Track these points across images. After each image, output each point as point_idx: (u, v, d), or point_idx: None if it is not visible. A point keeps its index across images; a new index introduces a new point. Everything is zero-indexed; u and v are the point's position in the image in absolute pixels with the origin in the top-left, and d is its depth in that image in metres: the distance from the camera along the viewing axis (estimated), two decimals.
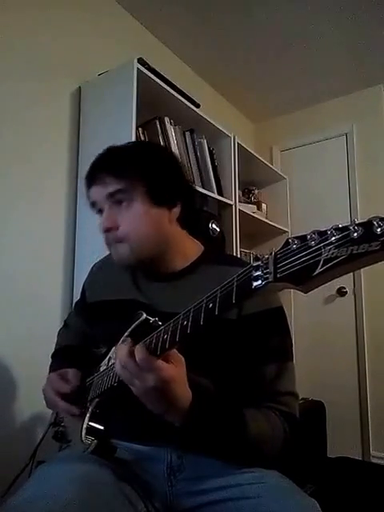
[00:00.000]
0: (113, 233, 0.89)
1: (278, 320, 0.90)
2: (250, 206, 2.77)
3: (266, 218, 2.86)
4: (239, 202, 2.41)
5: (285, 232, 2.93)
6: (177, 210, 0.93)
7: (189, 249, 0.98)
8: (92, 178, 0.92)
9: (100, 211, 0.93)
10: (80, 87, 1.92)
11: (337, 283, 2.87)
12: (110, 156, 0.93)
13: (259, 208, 2.91)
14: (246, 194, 2.98)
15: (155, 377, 0.63)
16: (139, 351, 0.65)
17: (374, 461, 2.61)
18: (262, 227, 2.83)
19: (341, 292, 2.89)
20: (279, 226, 2.89)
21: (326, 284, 0.45)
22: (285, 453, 0.83)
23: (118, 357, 0.67)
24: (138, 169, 0.89)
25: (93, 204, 0.94)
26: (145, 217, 0.89)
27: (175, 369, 0.66)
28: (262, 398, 0.84)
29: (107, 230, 0.89)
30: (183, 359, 0.69)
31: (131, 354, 0.65)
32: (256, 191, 3.02)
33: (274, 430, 0.81)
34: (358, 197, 2.93)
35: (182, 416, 0.69)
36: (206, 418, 0.72)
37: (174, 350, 0.67)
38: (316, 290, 0.45)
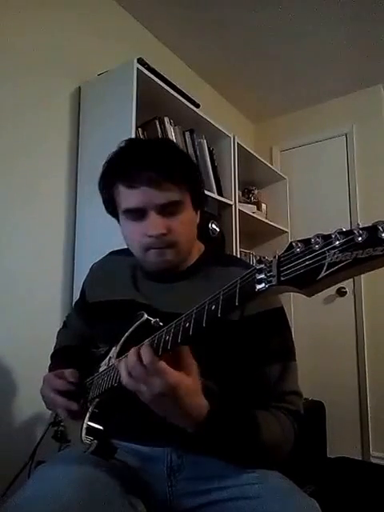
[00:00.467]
0: (164, 238, 0.86)
1: (279, 320, 0.90)
2: (250, 206, 2.77)
3: (266, 218, 2.86)
4: (239, 201, 2.41)
5: (284, 232, 2.93)
6: (198, 216, 0.97)
7: (195, 249, 0.99)
8: (139, 177, 0.84)
9: (138, 213, 0.87)
10: (80, 87, 1.92)
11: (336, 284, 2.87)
12: (161, 157, 0.86)
13: (259, 208, 2.91)
14: (246, 193, 2.98)
15: (162, 382, 0.63)
16: (146, 352, 0.64)
17: (374, 461, 2.61)
18: (262, 227, 2.83)
19: (341, 292, 2.89)
20: (279, 226, 2.89)
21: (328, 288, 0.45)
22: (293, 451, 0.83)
23: (125, 363, 0.66)
24: (190, 176, 0.91)
25: (131, 210, 0.87)
26: (192, 224, 0.93)
27: (185, 377, 0.66)
28: (267, 398, 0.84)
29: (162, 235, 0.86)
30: (196, 367, 0.68)
31: (138, 355, 0.65)
32: (256, 191, 3.02)
33: (284, 430, 0.81)
34: (357, 197, 2.93)
35: (196, 424, 0.69)
36: (222, 427, 0.72)
37: (190, 357, 0.67)
38: None
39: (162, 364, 0.63)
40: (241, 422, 0.76)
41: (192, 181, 0.91)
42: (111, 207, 0.94)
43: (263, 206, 2.98)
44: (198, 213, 0.97)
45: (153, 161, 0.85)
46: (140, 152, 0.89)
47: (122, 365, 0.67)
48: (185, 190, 0.88)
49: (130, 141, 0.95)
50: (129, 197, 0.87)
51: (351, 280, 2.85)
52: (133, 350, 0.66)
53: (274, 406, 0.83)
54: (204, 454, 0.86)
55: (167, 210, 0.86)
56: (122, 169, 0.88)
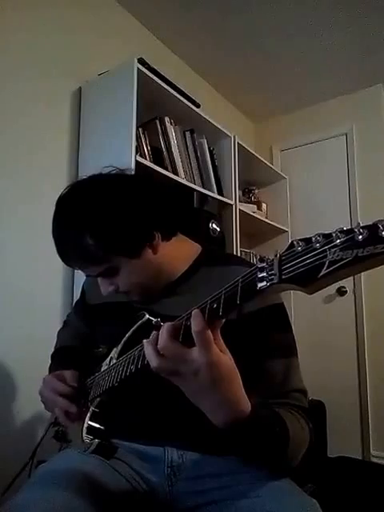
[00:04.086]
0: (119, 291, 0.90)
1: (279, 316, 0.89)
2: (250, 205, 2.78)
3: (266, 218, 2.87)
4: (239, 201, 2.41)
5: (285, 231, 2.94)
6: (157, 238, 0.87)
7: (185, 254, 0.96)
8: (69, 263, 0.90)
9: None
10: (80, 87, 1.92)
11: (337, 283, 2.87)
12: (73, 245, 0.84)
13: (259, 208, 2.91)
14: (246, 193, 2.99)
15: (206, 355, 0.57)
16: (195, 317, 0.57)
17: (374, 461, 2.62)
18: (262, 227, 2.84)
19: (341, 291, 2.89)
20: (279, 226, 2.89)
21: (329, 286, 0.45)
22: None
23: (152, 344, 0.61)
24: (106, 246, 0.83)
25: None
26: (134, 271, 0.87)
27: (229, 359, 0.61)
28: (274, 396, 0.81)
29: (114, 292, 0.90)
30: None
31: (170, 333, 0.59)
32: (256, 191, 3.03)
33: (303, 431, 0.78)
34: (357, 197, 2.93)
35: (235, 418, 0.62)
36: (259, 427, 0.67)
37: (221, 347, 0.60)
38: None
39: (211, 336, 0.57)
40: (274, 423, 0.71)
41: (115, 247, 0.83)
42: None
43: (263, 205, 2.98)
44: (151, 243, 0.87)
45: (72, 255, 0.88)
46: (62, 245, 0.88)
47: (149, 348, 0.62)
48: (112, 256, 0.84)
49: (58, 227, 0.89)
50: None
51: (351, 280, 2.85)
52: (165, 327, 0.60)
53: (282, 403, 0.79)
54: (206, 453, 0.86)
55: (104, 275, 0.88)
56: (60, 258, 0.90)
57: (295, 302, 2.76)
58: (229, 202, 2.29)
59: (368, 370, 2.75)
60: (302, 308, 2.83)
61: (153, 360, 0.61)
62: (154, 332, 0.63)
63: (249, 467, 0.82)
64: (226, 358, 0.60)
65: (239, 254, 2.30)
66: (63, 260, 0.88)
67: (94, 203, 0.83)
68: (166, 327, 0.60)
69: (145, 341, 0.64)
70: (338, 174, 3.05)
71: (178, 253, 0.94)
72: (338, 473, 2.29)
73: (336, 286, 2.88)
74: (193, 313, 0.58)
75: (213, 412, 0.63)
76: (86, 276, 0.98)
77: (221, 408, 0.62)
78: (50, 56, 1.80)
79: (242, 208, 2.41)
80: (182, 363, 0.59)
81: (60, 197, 0.89)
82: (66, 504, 0.70)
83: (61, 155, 1.83)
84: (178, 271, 0.93)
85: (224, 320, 0.59)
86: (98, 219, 0.82)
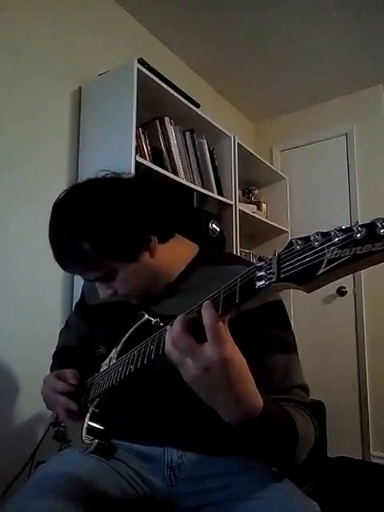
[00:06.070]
0: (117, 295, 0.89)
1: (278, 313, 0.88)
2: (250, 205, 2.78)
3: (266, 218, 2.87)
4: (239, 201, 2.41)
5: (285, 232, 2.94)
6: (153, 240, 0.87)
7: (182, 255, 0.96)
8: (65, 267, 0.90)
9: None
10: (80, 87, 1.92)
11: (337, 283, 2.87)
12: (70, 250, 0.85)
13: (259, 208, 2.91)
14: (246, 193, 2.99)
15: (217, 352, 0.55)
16: (207, 309, 0.56)
17: (374, 461, 2.62)
18: (262, 227, 2.84)
19: (341, 292, 2.89)
20: (279, 226, 2.89)
21: (327, 284, 0.45)
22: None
23: (170, 332, 0.60)
24: (103, 251, 0.82)
25: None
26: (132, 274, 0.87)
27: (241, 355, 0.60)
28: (275, 392, 0.79)
29: (112, 296, 0.90)
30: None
31: (183, 325, 0.58)
32: (256, 191, 3.03)
33: (310, 428, 0.77)
34: (357, 197, 2.93)
35: (245, 417, 0.61)
36: (270, 424, 0.65)
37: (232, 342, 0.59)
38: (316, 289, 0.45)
39: (223, 330, 0.56)
40: (283, 420, 0.70)
41: (111, 250, 0.83)
42: None
43: (263, 205, 2.98)
44: (147, 246, 0.87)
45: (69, 260, 0.87)
46: (59, 249, 0.89)
47: (167, 333, 0.61)
48: (108, 260, 0.83)
49: (54, 231, 0.92)
50: None
51: (351, 280, 2.85)
52: (178, 319, 0.60)
53: (287, 399, 0.78)
54: (205, 454, 0.86)
55: (101, 280, 0.88)
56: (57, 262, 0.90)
57: (295, 302, 2.76)
58: (229, 202, 2.29)
59: (368, 370, 2.75)
60: (301, 308, 2.83)
61: (166, 345, 0.60)
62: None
63: (249, 468, 0.82)
64: (240, 356, 0.59)
65: (239, 255, 2.30)
66: (61, 265, 0.88)
67: (90, 208, 0.83)
68: (178, 318, 0.59)
69: (169, 325, 0.63)
70: (338, 174, 3.05)
71: (175, 254, 0.93)
72: (338, 473, 2.29)
73: (336, 286, 2.89)
74: (204, 304, 0.57)
75: (224, 409, 0.61)
76: (84, 280, 0.98)
77: (232, 406, 0.60)
78: (51, 56, 1.81)
79: (241, 208, 2.41)
80: (192, 357, 0.57)
81: (55, 202, 0.89)
82: (65, 504, 0.70)
83: (61, 155, 1.83)
84: (176, 271, 0.93)
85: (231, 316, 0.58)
86: (94, 224, 0.81)
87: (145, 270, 0.87)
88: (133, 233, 0.84)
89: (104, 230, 0.81)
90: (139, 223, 0.84)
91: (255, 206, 2.84)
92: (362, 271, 2.76)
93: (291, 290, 0.47)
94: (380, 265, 0.42)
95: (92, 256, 0.81)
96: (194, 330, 0.57)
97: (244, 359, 0.60)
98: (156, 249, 0.88)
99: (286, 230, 2.95)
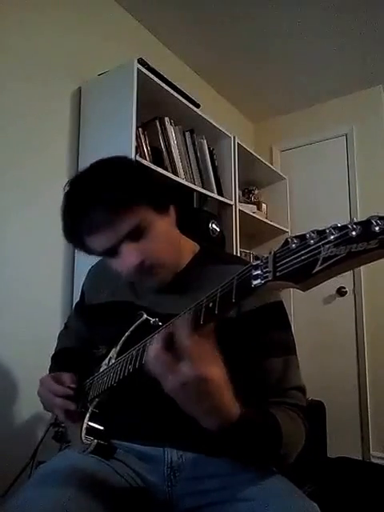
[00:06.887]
0: (145, 263, 0.83)
1: (277, 314, 0.88)
2: (250, 205, 2.78)
3: (266, 218, 2.87)
4: (239, 202, 2.41)
5: (285, 232, 2.93)
6: (173, 213, 0.89)
7: (186, 249, 0.97)
8: (91, 224, 0.79)
9: (110, 253, 0.83)
10: (80, 87, 1.92)
11: (337, 283, 2.87)
12: (99, 191, 0.79)
13: (259, 208, 2.91)
14: (246, 194, 2.99)
15: (191, 371, 0.57)
16: (180, 328, 0.57)
17: (374, 461, 2.61)
18: (262, 227, 2.83)
19: (341, 292, 2.89)
20: (279, 226, 2.89)
21: (325, 283, 0.45)
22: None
23: (151, 348, 0.61)
24: (138, 193, 0.81)
25: (101, 252, 0.83)
26: (167, 232, 0.86)
27: (215, 368, 0.60)
28: (272, 394, 0.81)
29: (140, 264, 0.82)
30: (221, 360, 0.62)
31: (164, 340, 0.59)
32: (256, 191, 3.03)
33: (297, 430, 0.79)
34: (357, 197, 2.93)
35: (224, 424, 0.62)
36: (251, 429, 0.67)
37: (215, 351, 0.61)
38: (316, 289, 0.46)
39: (194, 350, 0.57)
40: (265, 423, 0.72)
41: (144, 193, 0.82)
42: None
43: (263, 205, 2.99)
44: (169, 210, 0.88)
45: (101, 201, 0.78)
46: (87, 195, 0.81)
47: (149, 349, 0.62)
48: (142, 208, 0.81)
49: (79, 182, 0.87)
50: (91, 245, 0.83)
51: (351, 279, 2.85)
52: (158, 336, 0.61)
53: (279, 402, 0.80)
54: (205, 454, 0.86)
55: (133, 237, 0.81)
56: (76, 220, 0.82)
57: (295, 302, 2.76)
58: (229, 202, 2.29)
59: (368, 370, 2.75)
60: (301, 308, 2.82)
61: (148, 358, 0.61)
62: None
63: (249, 468, 0.82)
64: (216, 371, 0.59)
65: (239, 255, 2.30)
66: (82, 229, 0.80)
67: (121, 163, 0.90)
68: (157, 336, 0.61)
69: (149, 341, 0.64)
70: (338, 174, 3.04)
71: (183, 244, 0.95)
72: (338, 473, 2.29)
73: (336, 286, 2.88)
74: (177, 323, 0.58)
75: (201, 418, 0.63)
76: (103, 255, 0.87)
77: (208, 415, 0.62)
78: (50, 56, 1.81)
79: (241, 208, 2.41)
80: (170, 374, 0.58)
81: (73, 178, 0.88)
82: (65, 504, 0.70)
83: (60, 155, 1.84)
84: (184, 261, 0.94)
85: (213, 324, 0.59)
86: (127, 172, 0.86)
87: (171, 234, 0.89)
88: (161, 184, 0.90)
89: (137, 176, 0.85)
90: (165, 187, 0.91)
91: (255, 206, 2.84)
92: (361, 271, 2.76)
93: (291, 290, 0.47)
94: (380, 265, 0.42)
95: (127, 202, 0.79)
96: (173, 345, 0.58)
97: (224, 373, 0.61)
98: (174, 223, 0.91)
99: (286, 230, 2.94)
